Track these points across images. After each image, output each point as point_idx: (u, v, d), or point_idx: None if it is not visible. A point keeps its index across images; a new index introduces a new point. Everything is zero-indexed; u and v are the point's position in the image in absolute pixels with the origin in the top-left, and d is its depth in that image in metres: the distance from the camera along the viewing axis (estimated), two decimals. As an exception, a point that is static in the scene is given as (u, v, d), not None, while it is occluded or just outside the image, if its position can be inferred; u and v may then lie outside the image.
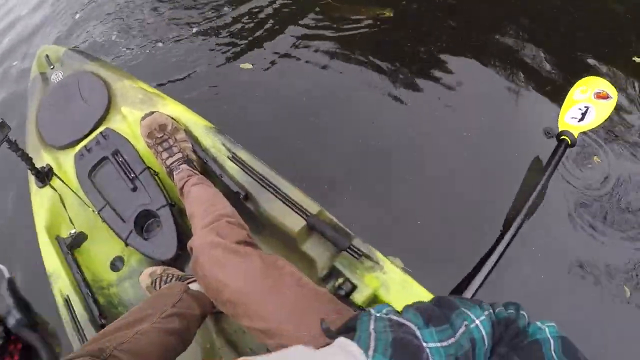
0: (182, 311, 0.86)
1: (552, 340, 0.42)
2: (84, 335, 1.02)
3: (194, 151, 1.14)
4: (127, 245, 1.12)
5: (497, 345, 0.47)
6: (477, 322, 0.49)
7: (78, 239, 1.20)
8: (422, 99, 1.58)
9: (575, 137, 1.17)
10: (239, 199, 1.05)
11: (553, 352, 0.42)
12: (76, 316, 1.04)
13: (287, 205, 1.01)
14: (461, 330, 0.48)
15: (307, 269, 1.03)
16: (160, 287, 1.05)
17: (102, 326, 1.03)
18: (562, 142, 1.15)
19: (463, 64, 1.65)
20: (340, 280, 0.96)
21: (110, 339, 0.71)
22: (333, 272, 0.98)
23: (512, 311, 0.51)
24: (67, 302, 1.07)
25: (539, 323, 0.45)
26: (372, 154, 1.46)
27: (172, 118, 1.17)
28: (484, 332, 0.48)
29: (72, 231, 1.19)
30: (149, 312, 0.81)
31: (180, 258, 1.07)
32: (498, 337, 0.48)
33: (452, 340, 0.48)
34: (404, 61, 1.68)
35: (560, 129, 1.20)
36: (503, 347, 0.46)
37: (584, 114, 1.21)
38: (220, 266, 0.74)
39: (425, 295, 0.93)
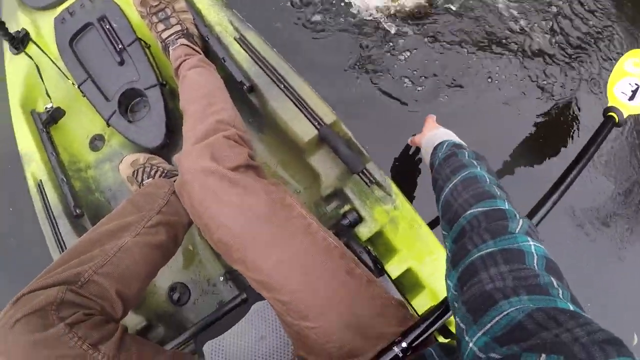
0: (168, 218, 0.74)
1: (536, 256, 0.38)
2: (58, 228, 0.92)
3: (195, 25, 0.94)
4: (109, 126, 0.97)
5: (478, 231, 0.43)
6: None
7: (55, 114, 1.06)
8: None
9: (625, 117, 0.97)
10: (243, 91, 0.88)
11: (536, 265, 0.37)
12: (49, 205, 0.94)
13: (298, 108, 0.84)
14: None
15: (309, 182, 0.91)
16: (142, 179, 0.92)
17: (77, 217, 0.94)
18: (609, 120, 0.95)
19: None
20: (347, 207, 0.84)
21: (89, 257, 0.60)
22: (338, 195, 0.86)
23: (512, 209, 0.46)
24: (40, 187, 0.97)
25: (529, 238, 0.40)
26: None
27: (172, -19, 0.95)
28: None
29: (49, 105, 1.05)
30: (132, 218, 0.69)
31: (168, 147, 0.93)
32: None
33: None
34: None
35: (609, 103, 1.00)
36: (487, 234, 0.41)
37: (634, 92, 1.00)
38: (213, 200, 0.59)
39: (432, 240, 0.83)
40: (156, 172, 0.93)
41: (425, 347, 0.55)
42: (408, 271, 0.82)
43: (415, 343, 0.53)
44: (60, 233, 0.92)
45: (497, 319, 0.33)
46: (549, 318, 0.30)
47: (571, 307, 0.32)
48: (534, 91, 1.26)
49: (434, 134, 0.70)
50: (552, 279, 0.36)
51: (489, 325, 0.33)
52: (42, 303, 0.50)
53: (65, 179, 0.95)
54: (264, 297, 0.62)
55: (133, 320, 0.88)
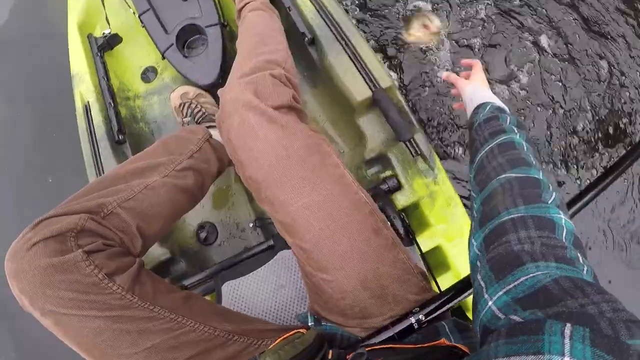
0: (198, 165, 0.73)
1: (565, 229, 0.38)
2: (98, 150, 0.93)
3: (266, -30, 0.93)
4: (163, 58, 0.98)
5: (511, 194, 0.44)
6: None
7: (111, 41, 1.07)
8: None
9: None
10: (303, 42, 0.88)
11: (564, 238, 0.37)
12: (93, 126, 0.95)
13: (356, 67, 0.83)
14: None
15: (354, 144, 0.90)
16: (186, 113, 0.93)
17: (119, 142, 0.95)
18: None
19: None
20: (388, 173, 0.83)
21: (115, 190, 0.59)
22: (380, 160, 0.85)
23: (546, 180, 0.46)
24: (87, 109, 0.98)
25: (560, 211, 0.40)
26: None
27: None
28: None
29: (107, 31, 1.06)
30: (162, 159, 0.68)
31: (219, 86, 0.94)
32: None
33: None
34: None
35: None
36: (520, 199, 0.41)
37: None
38: (250, 135, 0.58)
39: (466, 222, 0.82)
40: (199, 111, 0.93)
41: (439, 320, 0.54)
42: (437, 249, 0.82)
43: (432, 317, 0.52)
44: (100, 156, 0.93)
45: (522, 279, 0.32)
46: (576, 287, 0.29)
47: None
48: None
49: (479, 90, 0.65)
50: (578, 254, 0.35)
51: (512, 284, 0.32)
52: (62, 229, 0.49)
53: (112, 104, 0.97)
54: (288, 243, 0.61)
55: (157, 252, 0.90)
